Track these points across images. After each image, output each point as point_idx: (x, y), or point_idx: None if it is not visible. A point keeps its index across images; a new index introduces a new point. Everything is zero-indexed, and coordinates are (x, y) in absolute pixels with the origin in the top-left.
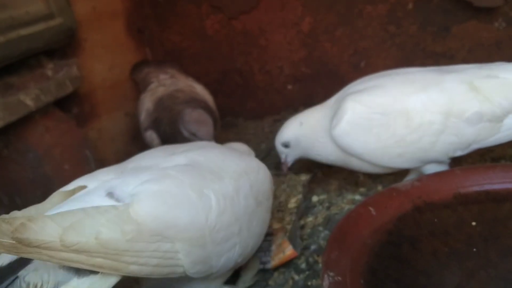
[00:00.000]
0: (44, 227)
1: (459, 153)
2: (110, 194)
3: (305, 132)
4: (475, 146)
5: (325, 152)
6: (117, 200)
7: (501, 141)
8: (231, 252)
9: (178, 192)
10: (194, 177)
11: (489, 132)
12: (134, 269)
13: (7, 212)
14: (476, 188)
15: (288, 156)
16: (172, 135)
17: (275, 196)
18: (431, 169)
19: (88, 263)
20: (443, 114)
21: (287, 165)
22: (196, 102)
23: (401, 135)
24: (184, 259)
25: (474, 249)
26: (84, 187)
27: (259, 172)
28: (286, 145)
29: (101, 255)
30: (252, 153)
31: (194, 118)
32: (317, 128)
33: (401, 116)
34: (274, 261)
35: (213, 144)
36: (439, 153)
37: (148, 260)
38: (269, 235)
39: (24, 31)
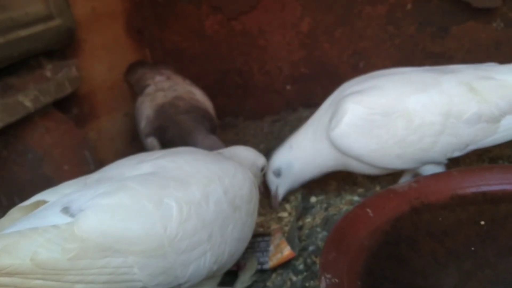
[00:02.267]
0: None
1: (456, 153)
2: (65, 209)
3: (296, 153)
4: (473, 147)
5: (322, 160)
6: (72, 215)
7: (498, 141)
8: (200, 260)
9: (130, 204)
10: (154, 187)
11: (486, 132)
12: (80, 287)
13: (6, 213)
14: (473, 190)
15: (280, 186)
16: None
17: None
18: (428, 170)
19: (24, 286)
20: (443, 115)
21: (279, 198)
22: (197, 112)
23: (401, 136)
24: (140, 273)
25: (472, 250)
26: (44, 202)
27: (236, 176)
28: (277, 173)
29: (39, 277)
30: (261, 158)
31: (206, 145)
32: (309, 142)
33: (402, 117)
34: (272, 262)
35: (193, 149)
36: (438, 153)
37: (96, 278)
38: (267, 236)
39: (23, 32)
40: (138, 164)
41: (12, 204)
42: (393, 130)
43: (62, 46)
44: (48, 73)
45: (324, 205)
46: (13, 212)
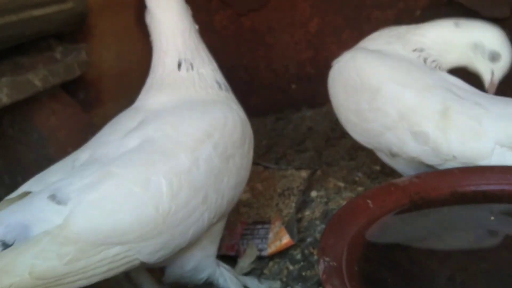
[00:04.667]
0: None
1: (402, 160)
2: (52, 196)
3: None
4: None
5: None
6: (59, 202)
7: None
8: (199, 222)
9: (117, 194)
10: (140, 166)
11: (429, 160)
12: (82, 283)
13: (8, 191)
14: (473, 188)
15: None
16: None
17: (275, 190)
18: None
19: None
20: (400, 114)
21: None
22: None
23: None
24: (138, 255)
25: (468, 244)
26: (29, 193)
27: (226, 125)
28: (494, 57)
29: (41, 287)
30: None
31: None
32: None
33: (370, 91)
34: (271, 249)
35: (172, 103)
36: (384, 145)
37: (95, 271)
38: (266, 223)
39: (36, 12)
40: (124, 139)
41: (15, 183)
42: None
43: (73, 30)
44: (58, 55)
45: (324, 200)
46: (1, 205)
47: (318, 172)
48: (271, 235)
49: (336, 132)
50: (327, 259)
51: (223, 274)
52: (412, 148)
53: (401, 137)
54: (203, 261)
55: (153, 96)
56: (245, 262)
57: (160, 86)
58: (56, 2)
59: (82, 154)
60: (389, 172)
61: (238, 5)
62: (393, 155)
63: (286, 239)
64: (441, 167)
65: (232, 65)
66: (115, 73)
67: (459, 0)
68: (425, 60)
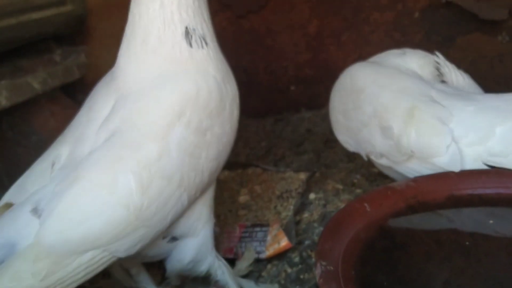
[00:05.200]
0: None
1: (373, 157)
2: (34, 210)
3: None
4: (389, 163)
5: None
6: (40, 215)
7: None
8: (178, 205)
9: (85, 200)
10: (107, 165)
11: (393, 155)
12: None
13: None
14: (469, 192)
15: None
16: None
17: (273, 192)
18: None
19: None
20: (374, 110)
21: None
22: None
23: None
24: (115, 253)
25: (465, 248)
26: (11, 204)
27: (199, 97)
28: None
29: None
30: None
31: None
32: None
33: (357, 92)
34: (269, 251)
35: (147, 82)
36: (361, 144)
37: (73, 278)
38: (265, 226)
39: (35, 15)
40: (97, 132)
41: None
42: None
43: (72, 32)
44: (57, 58)
45: (322, 202)
46: None
47: (317, 174)
48: (269, 238)
49: (335, 134)
50: (324, 263)
51: (221, 267)
52: (381, 143)
53: (373, 133)
54: (200, 250)
55: (129, 64)
56: (243, 264)
57: (136, 45)
58: (55, 5)
59: (62, 150)
60: (388, 176)
61: (237, 7)
62: (368, 155)
63: (284, 242)
64: (403, 167)
65: (231, 66)
66: None
67: (457, 2)
68: (437, 69)
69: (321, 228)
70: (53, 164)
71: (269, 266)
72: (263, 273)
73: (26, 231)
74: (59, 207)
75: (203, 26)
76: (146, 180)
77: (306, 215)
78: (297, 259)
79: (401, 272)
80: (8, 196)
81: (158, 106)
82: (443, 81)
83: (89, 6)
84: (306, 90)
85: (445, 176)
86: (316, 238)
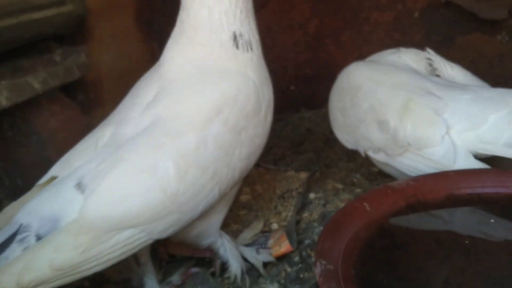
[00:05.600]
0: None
1: (370, 153)
2: (78, 185)
3: None
4: (385, 158)
5: None
6: (83, 191)
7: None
8: (209, 196)
9: (126, 181)
10: (148, 151)
11: (391, 149)
12: (98, 268)
13: (8, 193)
14: (469, 191)
15: None
16: None
17: (274, 192)
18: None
19: (49, 286)
20: (371, 106)
21: None
22: None
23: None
24: (150, 235)
25: (464, 247)
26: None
27: (238, 98)
28: None
29: (60, 277)
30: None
31: None
32: None
33: (353, 89)
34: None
35: (185, 74)
36: (359, 140)
37: (110, 255)
38: (267, 232)
39: (35, 15)
40: (140, 116)
41: (14, 185)
42: (345, 97)
43: (72, 32)
44: (57, 58)
45: (322, 202)
46: (33, 190)
47: (317, 174)
48: (271, 241)
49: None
50: (323, 262)
51: (224, 244)
52: (378, 138)
53: (370, 128)
54: (206, 231)
55: (175, 54)
56: (248, 233)
57: (184, 39)
58: (56, 5)
59: (106, 131)
60: (387, 173)
61: None
62: (366, 151)
63: (285, 246)
64: (398, 162)
65: None
66: (115, 75)
67: (456, 2)
68: (430, 65)
69: (321, 228)
70: (97, 140)
71: (268, 265)
72: (263, 272)
73: (69, 207)
74: (102, 186)
75: (249, 33)
76: (183, 168)
77: (306, 214)
78: (297, 259)
79: (401, 271)
80: (54, 170)
81: (200, 100)
82: (437, 76)
83: (89, 6)
84: (306, 90)
85: (444, 175)
86: (316, 237)
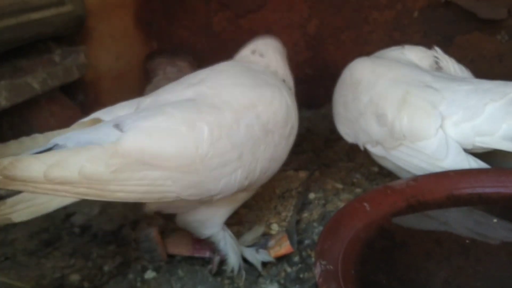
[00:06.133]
0: (29, 165)
1: (369, 146)
2: (117, 126)
3: None
4: (383, 152)
5: None
6: (121, 130)
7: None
8: (231, 176)
9: (166, 127)
10: (189, 112)
11: (387, 142)
12: (121, 196)
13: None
14: (469, 191)
15: None
16: None
17: (274, 191)
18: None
19: (72, 192)
20: (370, 99)
21: None
22: None
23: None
24: (173, 185)
25: (464, 247)
26: (99, 120)
27: (272, 103)
28: None
29: (85, 186)
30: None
31: None
32: None
33: (356, 83)
34: (271, 254)
35: (236, 71)
36: (359, 133)
37: (135, 188)
38: (267, 235)
39: (35, 15)
40: (184, 89)
41: None
42: (347, 91)
43: (71, 32)
44: (57, 58)
45: (322, 202)
46: (74, 126)
47: (316, 174)
48: (272, 242)
49: (334, 133)
50: (323, 262)
51: (226, 238)
52: (376, 131)
53: (369, 121)
54: (210, 219)
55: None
56: (249, 235)
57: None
58: (55, 5)
59: (147, 99)
60: (387, 173)
61: (237, 7)
62: (364, 145)
63: (286, 246)
64: (394, 153)
65: None
66: (114, 75)
67: (456, 2)
68: (436, 63)
69: (321, 228)
70: (139, 103)
71: (268, 265)
72: (262, 272)
73: (106, 138)
74: (143, 124)
75: (289, 78)
76: (216, 135)
77: (306, 214)
78: (296, 259)
79: (400, 271)
80: (98, 114)
81: (241, 89)
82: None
83: (89, 6)
84: (306, 90)
85: (444, 175)
86: (315, 237)
